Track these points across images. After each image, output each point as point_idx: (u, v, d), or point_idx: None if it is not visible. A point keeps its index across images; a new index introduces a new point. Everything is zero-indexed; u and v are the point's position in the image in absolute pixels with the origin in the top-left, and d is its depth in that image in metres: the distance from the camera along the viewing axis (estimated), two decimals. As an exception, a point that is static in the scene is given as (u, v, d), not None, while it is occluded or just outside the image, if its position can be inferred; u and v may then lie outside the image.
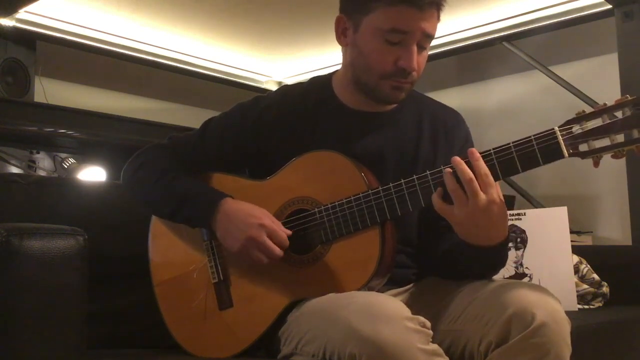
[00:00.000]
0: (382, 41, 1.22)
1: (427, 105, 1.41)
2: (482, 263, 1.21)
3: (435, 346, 1.04)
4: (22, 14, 3.33)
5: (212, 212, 1.25)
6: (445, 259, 1.28)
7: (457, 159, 1.11)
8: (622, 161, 1.11)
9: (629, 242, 3.13)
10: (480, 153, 1.13)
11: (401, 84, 1.26)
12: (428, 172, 1.17)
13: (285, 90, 1.41)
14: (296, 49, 4.10)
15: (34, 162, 3.52)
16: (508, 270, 2.12)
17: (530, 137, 1.10)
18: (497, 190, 1.11)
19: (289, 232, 1.23)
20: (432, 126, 1.37)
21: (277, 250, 1.20)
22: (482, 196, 1.09)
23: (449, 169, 1.12)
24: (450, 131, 1.38)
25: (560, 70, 3.65)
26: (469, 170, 1.09)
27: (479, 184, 1.09)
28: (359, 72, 1.28)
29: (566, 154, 1.08)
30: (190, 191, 1.30)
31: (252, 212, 1.23)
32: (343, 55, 1.34)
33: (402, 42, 1.22)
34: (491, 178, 1.10)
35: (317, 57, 4.12)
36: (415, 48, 1.23)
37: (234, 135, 1.36)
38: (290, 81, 4.39)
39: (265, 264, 1.22)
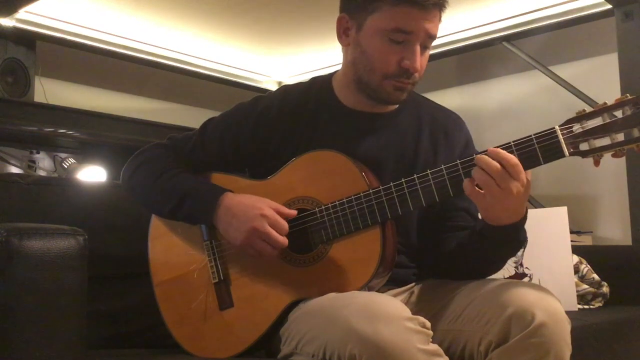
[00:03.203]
0: (386, 41, 1.22)
1: (427, 107, 1.41)
2: (508, 242, 1.20)
3: (435, 346, 1.04)
4: (22, 14, 3.32)
5: (213, 207, 1.25)
6: (454, 257, 1.28)
7: (481, 156, 1.10)
8: (622, 161, 1.11)
9: (629, 242, 3.13)
10: (479, 153, 1.13)
11: (404, 85, 1.26)
12: (429, 172, 1.17)
13: (286, 90, 1.41)
14: (296, 49, 4.10)
15: (34, 162, 3.52)
16: (508, 270, 2.12)
17: (530, 136, 1.11)
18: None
19: (294, 212, 1.23)
20: (432, 128, 1.37)
21: (281, 239, 1.20)
22: (516, 183, 1.08)
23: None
24: (451, 133, 1.38)
25: (560, 70, 3.65)
26: (495, 163, 1.08)
27: (509, 173, 1.08)
28: (362, 71, 1.28)
29: (567, 153, 1.09)
30: (191, 188, 1.30)
31: (253, 204, 1.23)
32: (344, 55, 1.34)
33: (405, 42, 1.22)
34: (520, 167, 1.09)
35: (317, 56, 4.11)
36: (418, 48, 1.23)
37: (234, 135, 1.36)
38: (290, 81, 4.39)
39: (270, 254, 1.22)
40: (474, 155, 1.14)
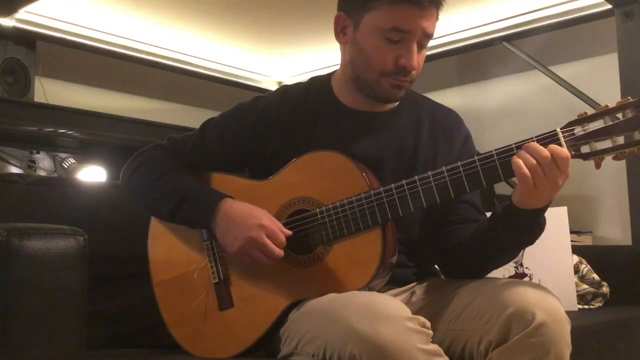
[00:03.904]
0: (383, 39, 1.23)
1: (426, 105, 1.41)
2: (532, 225, 1.19)
3: (435, 346, 1.04)
4: (22, 14, 3.32)
5: (212, 213, 1.25)
6: (462, 250, 1.28)
7: (532, 143, 1.09)
8: (622, 161, 1.11)
9: (629, 242, 3.13)
10: (482, 154, 1.13)
11: (401, 83, 1.26)
12: (430, 173, 1.17)
13: (285, 90, 1.41)
14: (296, 49, 4.10)
15: (34, 162, 3.52)
16: (508, 270, 2.13)
17: (532, 138, 1.11)
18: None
19: (289, 232, 1.23)
20: (431, 127, 1.37)
21: (277, 251, 1.20)
22: (562, 175, 1.08)
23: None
24: (450, 131, 1.38)
25: (560, 70, 3.65)
26: (546, 152, 1.07)
27: (557, 164, 1.07)
28: (359, 70, 1.28)
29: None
30: (190, 191, 1.30)
31: (252, 213, 1.23)
32: (341, 54, 1.35)
33: (402, 40, 1.22)
34: (569, 161, 1.08)
35: (317, 56, 4.11)
36: (415, 47, 1.23)
37: (233, 136, 1.36)
38: (290, 81, 4.38)
39: (265, 264, 1.22)
40: (475, 157, 1.14)
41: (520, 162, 1.09)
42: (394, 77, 1.25)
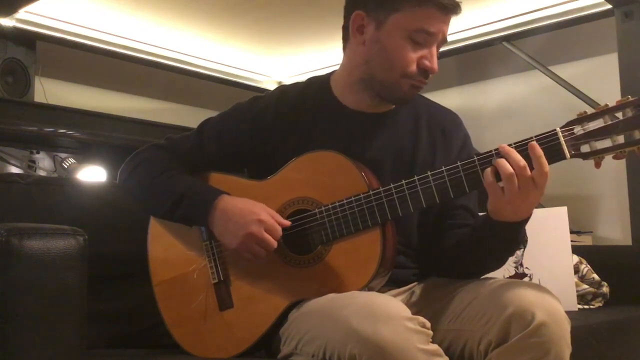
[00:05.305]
0: (407, 40, 1.24)
1: (425, 106, 1.41)
2: (507, 239, 1.20)
3: (435, 346, 1.04)
4: (22, 14, 3.31)
5: (209, 210, 1.25)
6: (455, 254, 1.29)
7: (507, 147, 1.09)
8: (622, 161, 1.11)
9: (629, 242, 3.13)
10: (482, 154, 1.13)
11: (420, 84, 1.28)
12: (429, 173, 1.17)
13: (283, 90, 1.41)
14: (296, 49, 4.10)
15: (34, 162, 3.52)
16: (508, 270, 2.12)
17: (531, 138, 1.10)
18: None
19: (288, 223, 1.23)
20: (430, 127, 1.37)
21: (274, 243, 1.21)
22: (536, 191, 1.08)
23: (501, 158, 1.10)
24: (448, 132, 1.38)
25: (560, 70, 3.65)
26: (521, 159, 1.08)
27: (533, 175, 1.07)
28: (377, 70, 1.28)
29: (568, 155, 1.08)
30: (187, 189, 1.29)
31: (250, 208, 1.23)
32: (350, 54, 1.33)
33: (425, 43, 1.24)
34: (546, 167, 1.08)
35: (317, 56, 4.11)
36: (436, 50, 1.25)
37: (231, 136, 1.36)
38: (290, 81, 4.37)
39: (263, 257, 1.22)
40: (474, 157, 1.14)
41: (489, 173, 1.10)
42: (414, 79, 1.27)
